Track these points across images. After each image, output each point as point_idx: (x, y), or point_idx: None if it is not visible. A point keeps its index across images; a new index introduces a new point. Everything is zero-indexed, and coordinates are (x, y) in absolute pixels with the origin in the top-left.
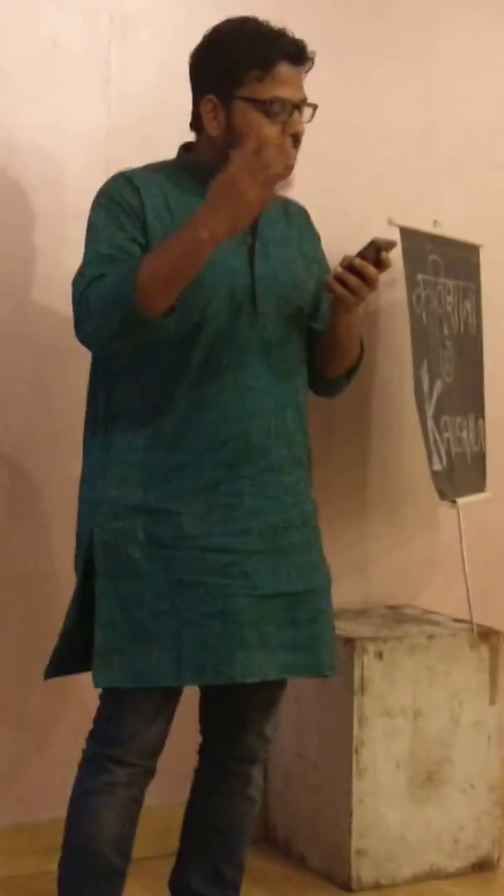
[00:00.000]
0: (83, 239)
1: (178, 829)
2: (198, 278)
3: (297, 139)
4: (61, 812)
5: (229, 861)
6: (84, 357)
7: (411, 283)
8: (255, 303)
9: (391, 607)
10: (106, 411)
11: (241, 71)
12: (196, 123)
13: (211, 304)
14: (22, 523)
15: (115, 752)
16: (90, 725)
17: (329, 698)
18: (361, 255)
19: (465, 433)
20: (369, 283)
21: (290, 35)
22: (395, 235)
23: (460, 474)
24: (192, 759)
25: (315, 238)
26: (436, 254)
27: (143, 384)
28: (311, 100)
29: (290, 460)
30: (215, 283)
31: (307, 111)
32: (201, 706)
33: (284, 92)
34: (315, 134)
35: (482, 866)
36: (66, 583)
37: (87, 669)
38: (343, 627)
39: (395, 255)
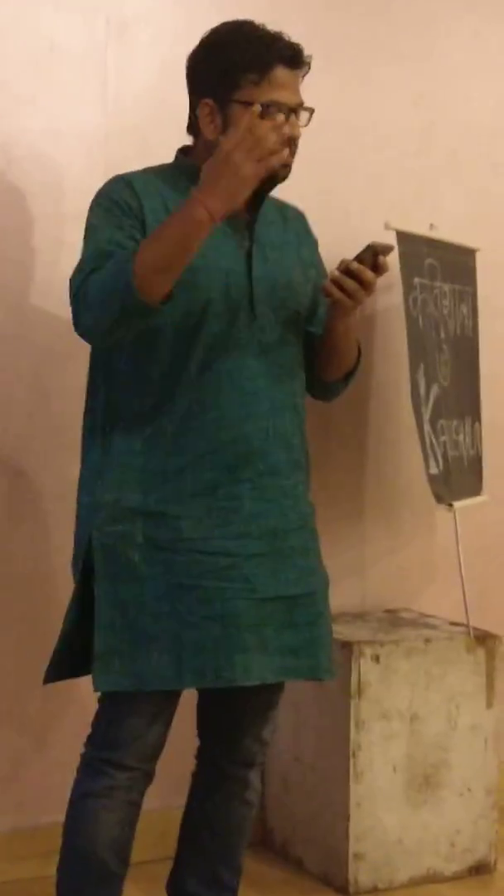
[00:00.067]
0: (81, 241)
1: (175, 832)
2: (196, 281)
3: (293, 143)
4: (60, 816)
5: (227, 864)
6: (83, 359)
7: (408, 287)
8: (253, 306)
9: (388, 611)
10: (104, 414)
11: (237, 74)
12: (193, 127)
13: (209, 307)
14: (21, 525)
15: (113, 756)
16: (89, 729)
17: (326, 702)
18: (359, 258)
19: (461, 436)
20: (366, 286)
21: (287, 39)
22: (391, 239)
23: (457, 478)
24: (190, 763)
25: (313, 242)
26: (432, 257)
27: (141, 387)
28: (310, 101)
29: (288, 463)
30: (213, 285)
31: (304, 115)
32: (199, 710)
33: (281, 96)
34: (314, 135)
35: (479, 870)
36: (65, 585)
37: (86, 673)
38: (340, 631)
39: (392, 259)
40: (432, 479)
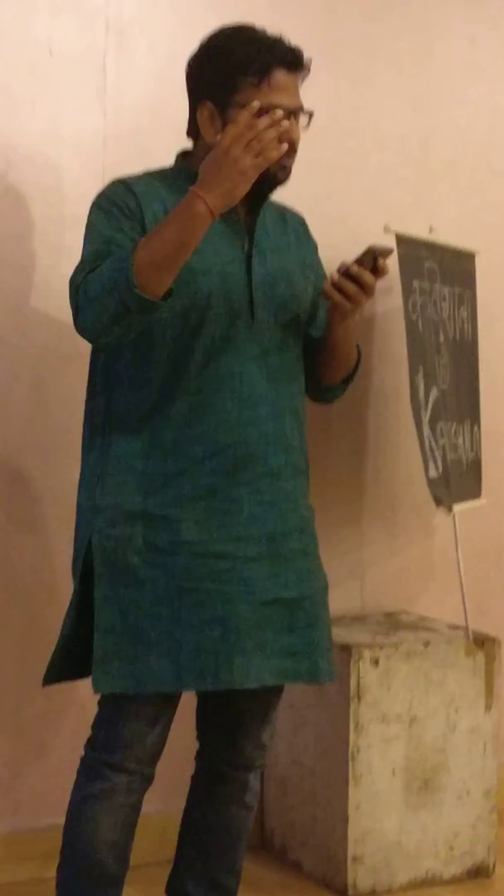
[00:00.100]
0: (81, 244)
1: (174, 835)
2: (195, 284)
3: (292, 147)
4: (59, 818)
5: (226, 867)
6: (82, 363)
7: (407, 290)
8: (253, 310)
9: (387, 614)
10: (104, 417)
11: (237, 77)
12: (193, 130)
13: (208, 311)
14: (20, 529)
15: (113, 759)
16: (88, 732)
17: (325, 705)
18: (358, 261)
19: (460, 440)
20: (366, 289)
21: (287, 42)
22: (391, 242)
23: (456, 481)
24: (190, 766)
25: (312, 246)
26: (431, 261)
27: (141, 390)
28: (308, 105)
29: (288, 466)
30: (213, 289)
31: (303, 119)
32: (198, 713)
33: (280, 99)
34: (312, 140)
35: (477, 873)
36: (65, 588)
37: (85, 676)
38: (339, 634)
39: (391, 262)
40: (431, 483)
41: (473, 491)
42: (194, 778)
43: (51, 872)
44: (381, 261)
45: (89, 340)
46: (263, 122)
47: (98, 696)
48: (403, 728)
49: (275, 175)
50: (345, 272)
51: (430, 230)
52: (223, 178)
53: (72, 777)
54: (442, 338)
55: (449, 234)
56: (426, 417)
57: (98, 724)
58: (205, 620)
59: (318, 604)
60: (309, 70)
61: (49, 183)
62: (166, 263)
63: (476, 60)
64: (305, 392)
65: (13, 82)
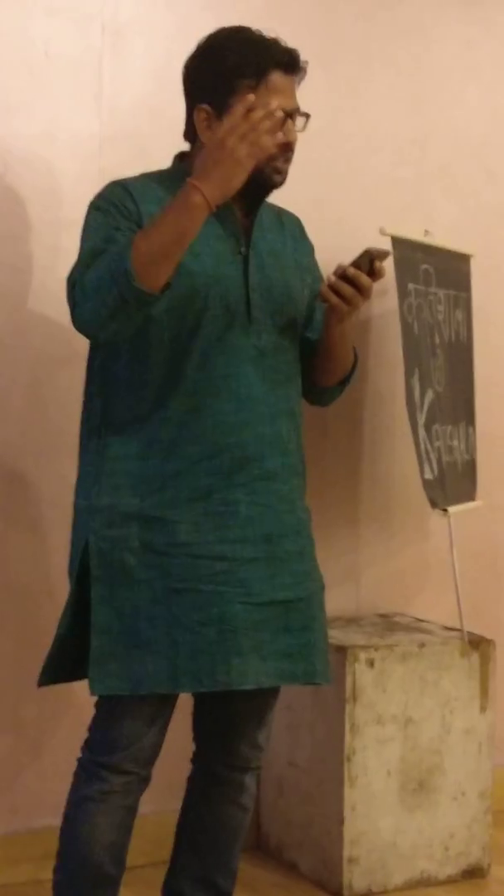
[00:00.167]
0: (77, 247)
1: (171, 836)
2: (192, 286)
3: (289, 148)
4: (56, 820)
5: (222, 868)
6: (79, 365)
7: (403, 293)
8: (250, 311)
9: (382, 615)
10: (101, 419)
11: (234, 79)
12: (190, 133)
13: (205, 313)
14: (17, 530)
15: (110, 761)
16: (85, 733)
17: (321, 706)
18: (355, 264)
19: (455, 442)
20: (363, 292)
21: (283, 44)
22: (387, 245)
23: (451, 483)
24: (186, 767)
25: (309, 248)
26: (427, 263)
27: (137, 391)
28: (304, 108)
29: (284, 468)
30: (210, 291)
31: (300, 120)
32: (195, 714)
33: (278, 100)
34: (307, 143)
35: (473, 873)
36: (61, 590)
37: (81, 677)
38: (335, 635)
39: (387, 265)
40: (427, 485)
41: (468, 493)
42: (190, 779)
43: (47, 874)
44: (377, 263)
45: (87, 336)
46: (259, 113)
47: (95, 698)
48: (399, 729)
49: (271, 178)
50: (341, 274)
51: (426, 233)
52: (219, 169)
53: (69, 778)
54: (437, 340)
55: (445, 237)
56: (422, 420)
57: (95, 725)
58: (201, 622)
59: (314, 605)
60: (305, 72)
61: (45, 185)
62: (164, 255)
63: (472, 63)
64: (302, 394)
65: (9, 84)
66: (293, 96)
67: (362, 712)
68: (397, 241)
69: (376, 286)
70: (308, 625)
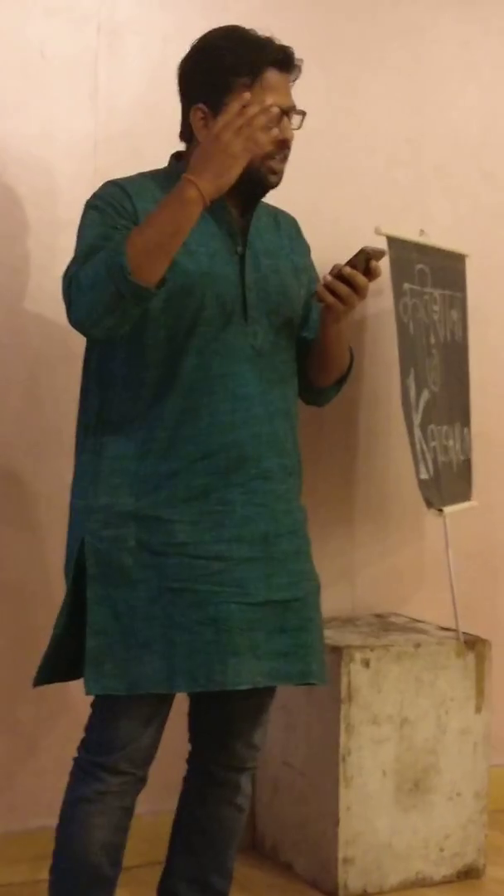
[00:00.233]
0: (73, 247)
1: (166, 837)
2: (189, 286)
3: (285, 145)
4: (52, 820)
5: (217, 869)
6: (76, 364)
7: (398, 293)
8: (246, 311)
9: (378, 615)
10: (97, 418)
11: (229, 77)
12: (186, 133)
13: (202, 312)
14: (13, 529)
15: (106, 761)
16: (81, 733)
17: (316, 706)
18: (351, 263)
19: (451, 442)
20: (359, 291)
21: (278, 42)
22: (382, 244)
23: (447, 483)
24: (181, 768)
25: (305, 248)
26: (422, 263)
27: (134, 391)
28: (299, 108)
29: (280, 468)
30: (206, 290)
31: (296, 118)
32: (191, 714)
33: (274, 97)
34: (304, 143)
35: (468, 874)
36: (58, 590)
37: (77, 677)
38: (330, 636)
39: (383, 265)
40: (422, 485)
41: (464, 493)
42: (186, 779)
43: (43, 874)
44: (373, 263)
45: (83, 333)
46: (254, 109)
47: (91, 698)
48: (394, 729)
49: (266, 178)
50: (337, 274)
51: (421, 233)
52: (214, 163)
53: (64, 778)
54: (433, 340)
55: (440, 237)
56: (417, 419)
57: (91, 725)
58: (197, 621)
59: (310, 605)
60: (300, 70)
61: (41, 185)
62: (159, 249)
63: (469, 63)
64: (298, 394)
65: (5, 84)
66: (288, 94)
67: (358, 712)
68: (393, 241)
69: (371, 286)
70: (304, 625)
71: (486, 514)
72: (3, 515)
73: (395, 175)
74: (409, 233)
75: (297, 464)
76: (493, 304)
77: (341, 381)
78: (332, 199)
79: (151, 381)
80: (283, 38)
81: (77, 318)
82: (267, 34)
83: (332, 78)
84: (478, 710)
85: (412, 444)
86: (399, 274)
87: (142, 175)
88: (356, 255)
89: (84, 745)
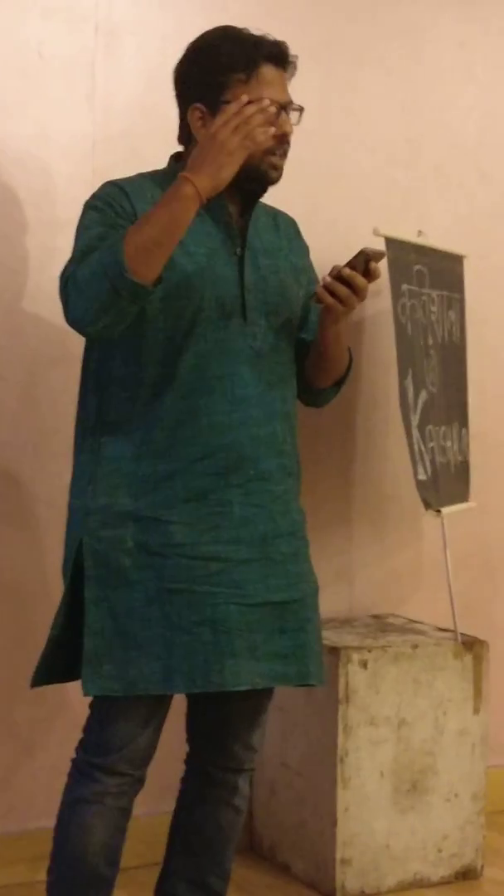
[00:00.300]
0: (71, 248)
1: (163, 838)
2: (188, 286)
3: (284, 139)
4: (50, 821)
5: (215, 870)
6: (74, 365)
7: (396, 293)
8: (245, 312)
9: (375, 616)
10: (96, 419)
11: (225, 75)
12: (184, 135)
13: (200, 313)
14: (11, 530)
15: (104, 762)
16: (78, 734)
17: (314, 707)
18: (350, 264)
19: (449, 443)
20: (358, 292)
21: (272, 38)
22: (380, 245)
23: (445, 484)
24: (179, 769)
25: (304, 249)
26: (421, 264)
27: (132, 392)
28: (296, 104)
29: (279, 469)
30: (205, 291)
31: (294, 114)
32: (188, 715)
33: (269, 93)
34: (302, 143)
35: (466, 875)
36: (56, 591)
37: (75, 678)
38: (328, 636)
39: (381, 265)
40: (420, 486)
41: (462, 494)
42: (184, 781)
43: (41, 875)
44: (373, 264)
45: (79, 331)
46: (251, 108)
47: (89, 698)
48: (392, 731)
49: (266, 173)
50: (336, 275)
51: (419, 233)
52: (210, 160)
53: (62, 779)
54: (431, 341)
55: (438, 238)
56: (415, 420)
57: (89, 726)
58: (195, 622)
59: (308, 607)
60: (295, 67)
61: (39, 186)
62: (157, 247)
63: (466, 64)
64: (297, 395)
65: (3, 85)
66: (285, 90)
67: (355, 713)
68: (391, 242)
69: (370, 287)
70: (302, 626)
71: (483, 515)
72: (2, 516)
73: (394, 175)
74: (407, 233)
75: (295, 465)
76: (490, 305)
77: (340, 382)
78: (330, 200)
79: (150, 381)
80: (280, 38)
81: (74, 316)
82: (263, 33)
83: (331, 78)
84: (475, 711)
85: (410, 445)
86: (397, 275)
87: (141, 176)
88: (355, 257)
89: (82, 746)
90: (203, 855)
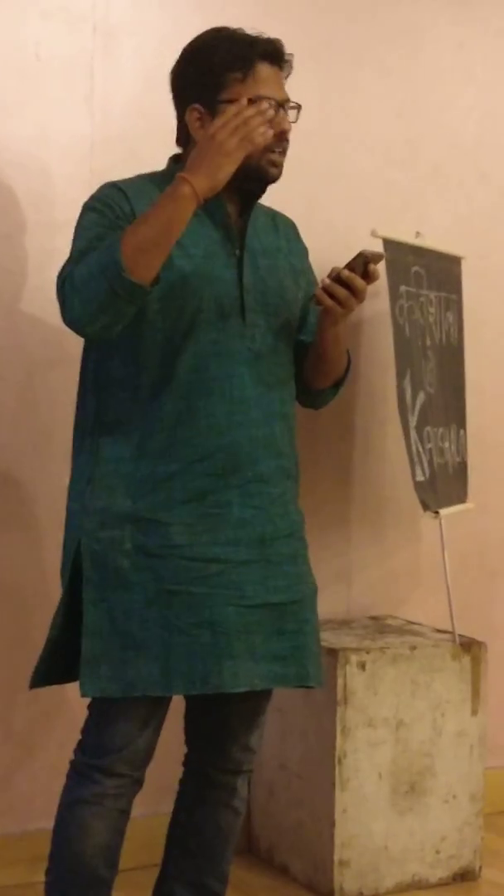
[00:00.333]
0: (69, 248)
1: (161, 839)
2: (186, 287)
3: (283, 137)
4: (48, 822)
5: (213, 872)
6: (72, 366)
7: (394, 295)
8: (244, 313)
9: (374, 618)
10: (94, 421)
11: (222, 74)
12: (183, 137)
13: (199, 314)
14: (9, 532)
15: (103, 763)
16: (77, 736)
17: (312, 709)
18: (350, 266)
19: (447, 444)
20: (357, 294)
21: (266, 36)
22: (378, 247)
23: (443, 485)
24: (177, 770)
25: (303, 251)
26: (419, 265)
27: (131, 393)
28: (293, 102)
29: (277, 471)
30: (203, 292)
31: (292, 112)
32: (187, 717)
33: (267, 90)
34: (299, 143)
35: (464, 876)
36: (54, 592)
37: (74, 679)
38: (326, 638)
39: (380, 267)
40: (418, 487)
41: (460, 495)
42: (182, 782)
43: (39, 876)
44: (371, 266)
45: (76, 331)
46: (250, 111)
47: (88, 700)
48: (390, 732)
49: (266, 171)
50: (335, 277)
51: (417, 235)
52: (208, 161)
53: (61, 780)
54: (429, 342)
55: (436, 239)
56: (413, 421)
57: (88, 727)
58: (194, 624)
59: (306, 608)
60: (291, 65)
61: (37, 187)
62: (154, 247)
63: (464, 65)
64: (295, 397)
65: (1, 86)
66: (282, 87)
67: (353, 715)
68: (389, 243)
69: (368, 288)
70: (300, 628)
71: (482, 517)
72: (0, 517)
73: (392, 176)
74: (405, 234)
75: (294, 466)
76: (488, 306)
77: (339, 383)
78: (328, 201)
79: (148, 382)
80: (280, 40)
81: (71, 316)
82: (258, 32)
83: (329, 79)
84: (473, 712)
85: (408, 447)
86: (395, 276)
87: (140, 177)
88: (354, 259)
89: (80, 748)
90: (201, 856)
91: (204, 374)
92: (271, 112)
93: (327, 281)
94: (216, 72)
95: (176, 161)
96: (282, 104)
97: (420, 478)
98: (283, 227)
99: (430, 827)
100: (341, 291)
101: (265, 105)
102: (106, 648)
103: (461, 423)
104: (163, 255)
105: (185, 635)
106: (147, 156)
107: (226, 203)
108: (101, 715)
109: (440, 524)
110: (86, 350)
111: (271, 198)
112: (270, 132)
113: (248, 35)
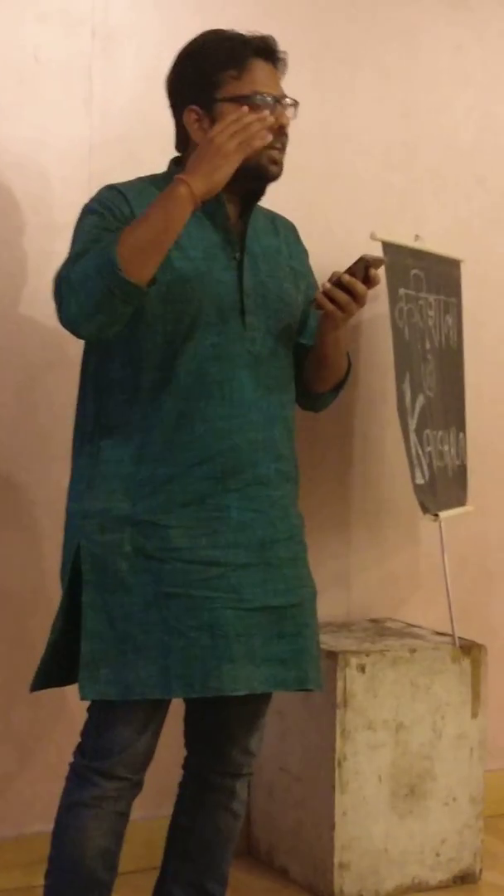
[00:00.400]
0: (67, 251)
1: (161, 842)
2: (186, 290)
3: (282, 131)
4: (47, 826)
5: (213, 875)
6: (72, 369)
7: (393, 298)
8: (244, 316)
9: (373, 620)
10: (94, 423)
11: (217, 73)
12: (181, 141)
13: (199, 317)
14: (9, 535)
15: (102, 766)
16: (76, 739)
17: (312, 712)
18: (350, 271)
19: (446, 447)
20: (358, 299)
21: (259, 34)
22: (377, 250)
23: (442, 488)
24: (177, 773)
25: (303, 254)
26: (418, 268)
27: (131, 396)
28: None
29: (277, 474)
30: (204, 295)
31: (290, 109)
32: (186, 720)
33: (263, 86)
34: (298, 146)
35: (464, 879)
36: (54, 595)
37: (73, 682)
38: (325, 641)
39: (379, 270)
40: (418, 489)
41: (459, 498)
42: (181, 785)
43: (38, 880)
44: (372, 271)
45: (73, 331)
46: (251, 116)
47: (87, 703)
48: (390, 735)
49: (267, 168)
50: (336, 282)
51: (416, 238)
52: (206, 162)
53: (60, 783)
54: (428, 345)
55: (435, 242)
56: (413, 425)
57: (87, 730)
58: (193, 627)
59: (306, 611)
60: (286, 63)
61: (36, 190)
62: (150, 247)
63: (462, 67)
64: (295, 400)
65: None
66: (277, 84)
67: (353, 718)
68: (388, 246)
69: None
70: (300, 631)
71: (481, 519)
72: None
73: (390, 180)
74: (404, 237)
75: (294, 469)
76: (487, 309)
77: (338, 386)
78: (326, 204)
79: (148, 385)
80: (278, 42)
81: (67, 316)
82: (252, 32)
83: (327, 81)
84: (473, 715)
85: (407, 449)
86: (394, 279)
87: (140, 179)
88: (355, 263)
89: (80, 751)
90: (201, 859)
91: (204, 377)
92: (271, 119)
93: (328, 285)
94: (211, 71)
95: (177, 164)
96: (278, 100)
97: (419, 480)
98: (283, 230)
99: (430, 829)
100: (342, 296)
101: (265, 113)
102: (105, 651)
103: (461, 425)
104: (160, 255)
105: (184, 638)
106: (146, 158)
107: (226, 205)
108: (100, 718)
109: (440, 527)
110: (86, 352)
111: (269, 199)
112: (270, 137)
113: (240, 34)
